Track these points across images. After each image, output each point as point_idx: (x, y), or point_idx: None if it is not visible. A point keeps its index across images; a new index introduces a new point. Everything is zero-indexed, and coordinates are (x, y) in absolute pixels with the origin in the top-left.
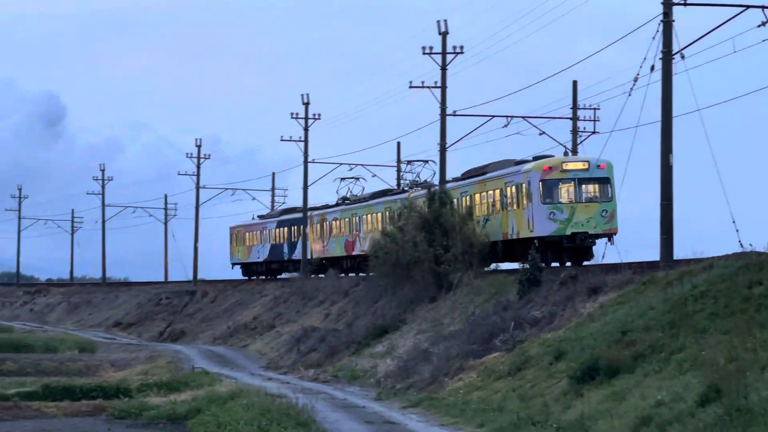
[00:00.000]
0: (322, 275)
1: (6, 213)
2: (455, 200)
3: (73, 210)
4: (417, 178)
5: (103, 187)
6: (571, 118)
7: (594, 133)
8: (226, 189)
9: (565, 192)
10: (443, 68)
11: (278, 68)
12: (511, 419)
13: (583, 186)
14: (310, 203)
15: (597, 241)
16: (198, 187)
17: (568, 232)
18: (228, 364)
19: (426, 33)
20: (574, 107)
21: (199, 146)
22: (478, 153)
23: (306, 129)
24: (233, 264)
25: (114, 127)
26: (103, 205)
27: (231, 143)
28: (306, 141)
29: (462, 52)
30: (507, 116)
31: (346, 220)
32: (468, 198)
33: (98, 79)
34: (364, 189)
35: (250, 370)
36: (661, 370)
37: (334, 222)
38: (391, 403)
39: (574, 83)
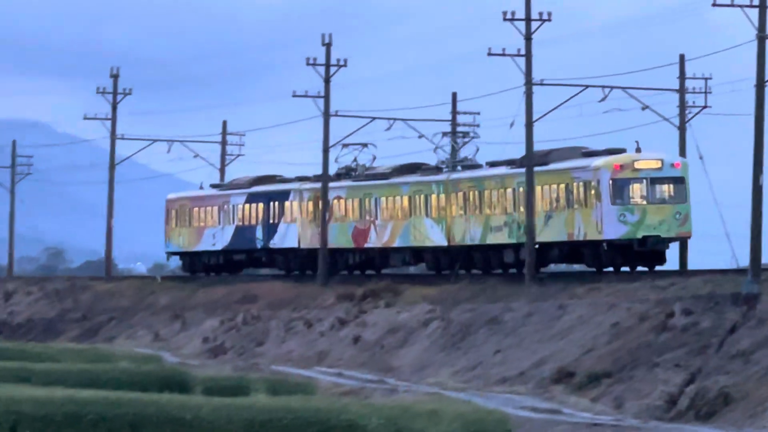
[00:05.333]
0: (310, 272)
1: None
2: (512, 189)
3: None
4: (454, 156)
5: None
6: (677, 90)
7: (705, 107)
8: (156, 141)
9: (636, 192)
10: (527, 38)
11: None
12: None
13: (656, 186)
14: (294, 172)
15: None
16: (113, 136)
17: (639, 235)
18: None
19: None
20: (682, 78)
21: None
22: (569, 129)
23: (327, 79)
24: (169, 254)
25: None
26: None
27: None
28: (327, 91)
29: (549, 20)
30: (604, 86)
31: (356, 200)
32: None
33: None
34: (374, 158)
35: None
36: None
37: (336, 201)
38: None
39: (681, 57)
